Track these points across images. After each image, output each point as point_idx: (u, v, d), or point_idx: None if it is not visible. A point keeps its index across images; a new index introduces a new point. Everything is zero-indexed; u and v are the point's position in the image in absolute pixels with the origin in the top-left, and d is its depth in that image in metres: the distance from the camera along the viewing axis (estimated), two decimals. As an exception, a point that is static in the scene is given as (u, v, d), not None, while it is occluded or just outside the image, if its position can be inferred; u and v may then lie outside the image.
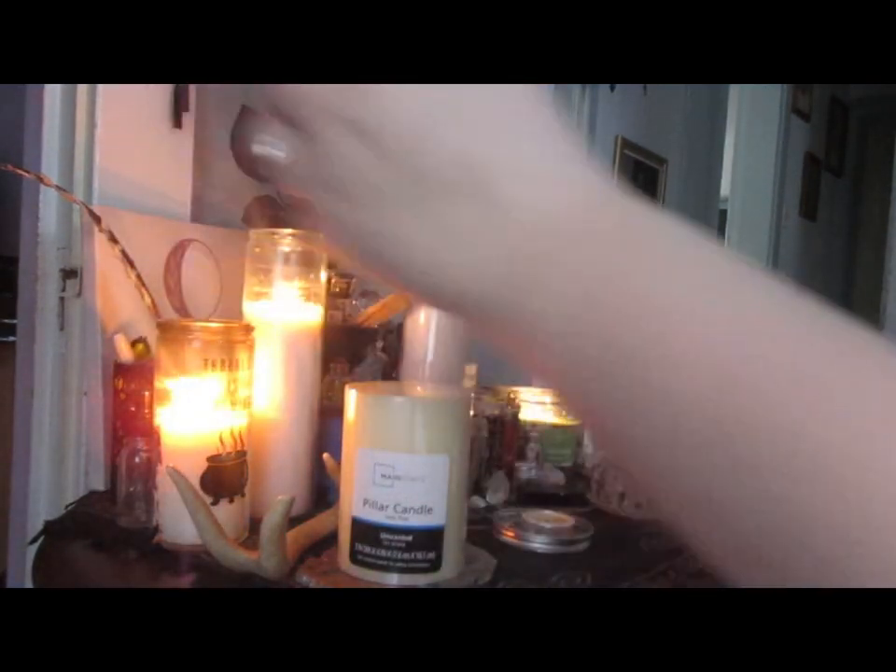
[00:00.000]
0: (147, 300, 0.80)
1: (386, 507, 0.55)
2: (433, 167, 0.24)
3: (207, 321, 0.67)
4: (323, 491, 0.76)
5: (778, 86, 2.95)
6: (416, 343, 0.85)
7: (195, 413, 0.63)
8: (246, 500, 0.66)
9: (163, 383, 0.64)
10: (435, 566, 0.56)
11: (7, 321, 1.56)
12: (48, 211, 0.92)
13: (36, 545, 0.69)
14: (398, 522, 0.55)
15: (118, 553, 0.63)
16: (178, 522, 0.61)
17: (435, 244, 0.25)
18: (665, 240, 0.23)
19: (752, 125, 3.02)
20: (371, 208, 0.26)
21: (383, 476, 0.55)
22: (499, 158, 0.25)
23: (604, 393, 0.23)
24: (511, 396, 0.94)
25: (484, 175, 0.24)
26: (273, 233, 0.73)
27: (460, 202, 0.25)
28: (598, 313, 0.22)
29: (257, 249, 0.73)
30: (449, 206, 0.25)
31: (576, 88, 1.98)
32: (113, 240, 0.79)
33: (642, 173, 2.50)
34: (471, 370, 1.02)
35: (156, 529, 0.65)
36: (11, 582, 1.00)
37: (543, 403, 0.98)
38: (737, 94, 2.95)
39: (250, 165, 0.98)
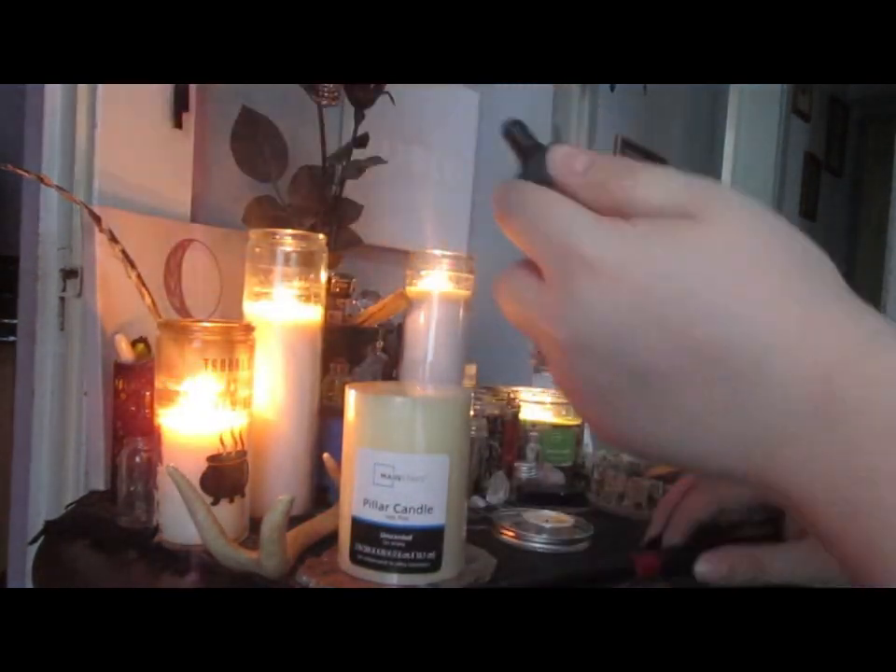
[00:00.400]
0: (148, 300, 0.80)
1: (386, 507, 0.55)
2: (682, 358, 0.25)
3: (207, 321, 0.67)
4: (323, 491, 0.76)
5: (778, 86, 2.95)
6: (416, 343, 0.85)
7: (195, 413, 0.63)
8: (246, 500, 0.66)
9: (164, 383, 0.64)
10: (435, 565, 0.56)
11: (7, 321, 1.56)
12: (48, 211, 0.92)
13: (36, 545, 0.69)
14: (398, 522, 0.55)
15: (118, 552, 0.63)
16: (178, 522, 0.61)
17: (675, 433, 0.26)
18: None
19: (752, 125, 3.02)
20: (604, 407, 0.27)
21: (383, 476, 0.55)
22: (760, 336, 0.24)
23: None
24: (511, 396, 0.94)
25: (740, 361, 0.24)
26: (273, 233, 0.73)
27: (709, 389, 0.25)
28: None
29: (257, 249, 0.73)
30: (694, 395, 0.25)
31: (576, 88, 1.98)
32: (113, 240, 0.79)
33: (642, 173, 2.48)
34: (471, 370, 1.02)
35: (156, 529, 0.65)
36: (11, 582, 1.00)
37: (543, 403, 0.98)
38: (737, 94, 2.95)
39: (250, 165, 0.98)
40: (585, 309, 0.25)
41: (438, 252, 0.87)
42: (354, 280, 0.98)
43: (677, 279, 0.24)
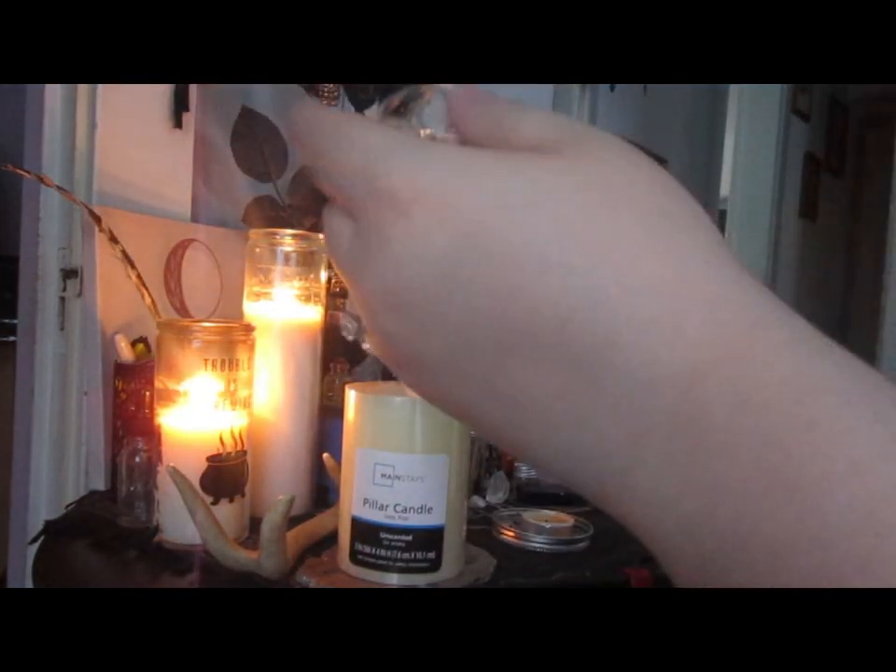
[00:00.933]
0: (148, 300, 0.80)
1: (386, 507, 0.55)
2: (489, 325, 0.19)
3: (207, 321, 0.67)
4: (323, 491, 0.76)
5: (778, 86, 2.95)
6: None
7: (195, 413, 0.63)
8: (246, 500, 0.66)
9: (164, 383, 0.64)
10: (435, 565, 0.56)
11: (7, 321, 1.56)
12: (48, 211, 0.92)
13: (36, 545, 0.69)
14: (397, 521, 0.55)
15: (118, 552, 0.63)
16: (178, 521, 0.61)
17: (499, 418, 0.20)
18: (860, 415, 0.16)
19: (752, 125, 3.02)
20: (427, 377, 0.21)
21: (382, 476, 0.55)
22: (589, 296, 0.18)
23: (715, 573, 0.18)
24: (511, 396, 0.94)
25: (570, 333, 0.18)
26: (273, 233, 0.73)
27: (538, 372, 0.19)
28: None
29: (257, 249, 0.73)
30: (522, 378, 0.19)
31: (576, 88, 1.98)
32: (113, 240, 0.79)
33: (642, 173, 2.49)
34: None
35: (156, 529, 0.65)
36: (11, 582, 1.00)
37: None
38: (737, 94, 2.95)
39: (250, 165, 0.98)
40: (397, 257, 0.19)
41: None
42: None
43: (509, 216, 0.18)
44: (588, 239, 0.18)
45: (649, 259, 0.18)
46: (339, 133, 0.21)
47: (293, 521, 0.61)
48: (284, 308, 0.72)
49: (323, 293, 0.76)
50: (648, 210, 0.19)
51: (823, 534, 0.15)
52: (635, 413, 0.18)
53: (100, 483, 0.81)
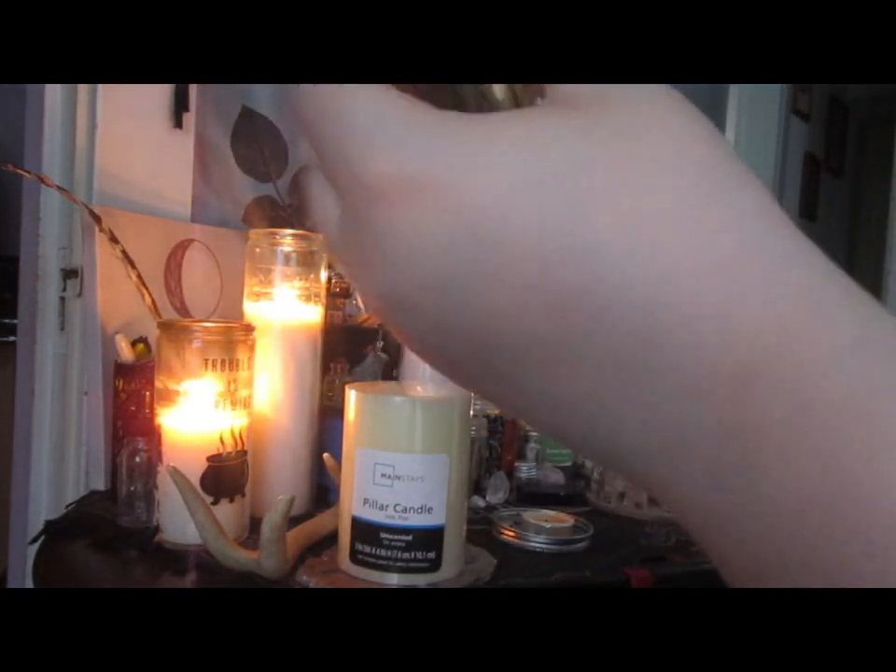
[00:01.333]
0: (148, 300, 0.80)
1: (386, 506, 0.55)
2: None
3: (207, 321, 0.67)
4: (323, 491, 0.76)
5: (778, 86, 2.95)
6: (416, 343, 0.85)
7: (195, 413, 0.63)
8: (247, 500, 0.66)
9: (164, 383, 0.64)
10: (435, 565, 0.56)
11: (7, 321, 1.56)
12: (48, 211, 0.92)
13: (37, 545, 0.69)
14: (397, 521, 0.55)
15: (118, 552, 0.63)
16: (179, 521, 0.61)
17: (534, 413, 0.18)
18: None
19: (752, 125, 3.02)
20: (458, 371, 0.19)
21: (382, 476, 0.55)
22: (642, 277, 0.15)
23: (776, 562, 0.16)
24: (511, 396, 0.94)
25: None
26: (273, 233, 0.73)
27: (572, 368, 0.16)
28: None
29: (257, 249, 0.73)
30: (556, 376, 0.17)
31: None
32: (114, 240, 0.79)
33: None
34: (471, 370, 1.02)
35: (156, 529, 0.65)
36: (11, 582, 1.00)
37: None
38: (737, 94, 2.95)
39: (250, 165, 0.98)
40: (394, 257, 0.17)
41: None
42: (354, 280, 0.98)
43: (523, 199, 0.16)
44: (618, 210, 0.15)
45: (694, 228, 0.15)
46: (326, 108, 0.18)
47: (293, 521, 0.61)
48: (284, 308, 0.72)
49: (323, 293, 0.76)
50: (691, 164, 0.16)
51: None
52: (676, 420, 0.15)
53: (100, 483, 0.81)
